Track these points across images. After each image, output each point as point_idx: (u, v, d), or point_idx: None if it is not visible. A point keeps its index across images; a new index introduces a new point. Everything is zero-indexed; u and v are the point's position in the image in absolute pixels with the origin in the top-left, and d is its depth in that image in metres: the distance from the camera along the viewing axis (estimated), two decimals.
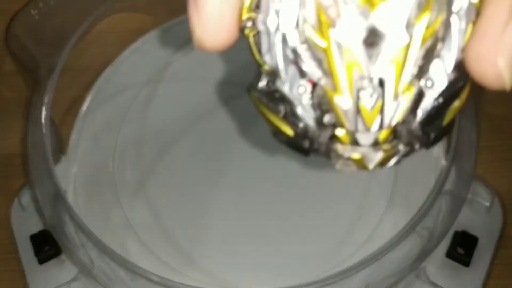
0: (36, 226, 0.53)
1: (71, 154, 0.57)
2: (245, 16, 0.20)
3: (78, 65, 0.59)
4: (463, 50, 0.20)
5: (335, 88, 0.20)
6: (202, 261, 0.51)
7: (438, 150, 0.55)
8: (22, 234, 0.53)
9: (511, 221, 0.52)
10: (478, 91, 0.54)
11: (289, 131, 0.21)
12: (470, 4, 0.19)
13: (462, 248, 0.50)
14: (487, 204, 0.52)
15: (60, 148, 0.56)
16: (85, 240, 0.49)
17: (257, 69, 0.21)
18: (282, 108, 0.21)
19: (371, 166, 0.21)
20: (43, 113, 0.53)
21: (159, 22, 0.62)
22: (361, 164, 0.21)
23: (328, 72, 0.20)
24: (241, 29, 0.20)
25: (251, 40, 0.21)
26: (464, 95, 0.21)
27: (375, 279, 0.48)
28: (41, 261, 0.51)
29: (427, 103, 0.20)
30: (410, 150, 0.21)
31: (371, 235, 0.52)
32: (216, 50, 0.20)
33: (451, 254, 0.50)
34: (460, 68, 0.20)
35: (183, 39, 0.61)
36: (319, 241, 0.52)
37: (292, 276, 0.49)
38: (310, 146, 0.21)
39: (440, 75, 0.20)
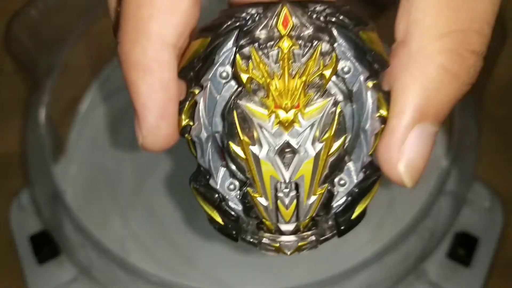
0: (35, 227, 0.52)
1: (70, 154, 0.57)
2: (184, 123, 0.24)
3: (77, 65, 0.58)
4: (375, 152, 0.24)
5: (256, 191, 0.24)
6: (201, 261, 0.51)
7: (439, 150, 0.55)
8: (22, 234, 0.53)
9: (511, 222, 0.52)
10: (479, 92, 0.54)
11: (220, 220, 0.25)
12: (375, 120, 0.24)
13: (463, 248, 0.50)
14: (488, 204, 0.51)
15: (59, 148, 0.56)
16: (84, 240, 0.49)
17: (197, 165, 0.26)
18: (217, 198, 0.25)
19: (288, 252, 0.25)
20: (42, 113, 0.53)
21: None
22: (280, 251, 0.25)
23: (250, 178, 0.24)
24: (181, 134, 0.25)
25: (190, 143, 0.25)
26: (374, 190, 0.25)
27: (376, 279, 0.48)
28: (41, 262, 0.51)
29: (339, 199, 0.25)
30: (324, 239, 0.26)
31: (372, 236, 0.52)
32: (157, 153, 0.25)
33: (451, 254, 0.50)
34: (373, 164, 0.25)
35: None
36: None
37: (292, 276, 0.49)
38: (237, 235, 0.25)
39: (351, 177, 0.25)
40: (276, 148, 0.23)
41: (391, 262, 0.48)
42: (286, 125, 0.23)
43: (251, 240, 0.26)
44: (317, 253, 0.51)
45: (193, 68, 0.24)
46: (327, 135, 0.23)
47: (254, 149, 0.24)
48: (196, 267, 0.51)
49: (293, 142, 0.23)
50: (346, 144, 0.24)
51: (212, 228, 0.50)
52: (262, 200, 0.24)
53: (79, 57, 0.58)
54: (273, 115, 0.23)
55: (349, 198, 0.25)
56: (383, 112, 0.24)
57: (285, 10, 0.23)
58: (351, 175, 0.25)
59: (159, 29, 0.22)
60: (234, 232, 0.25)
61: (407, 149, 0.23)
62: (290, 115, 0.23)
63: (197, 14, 0.24)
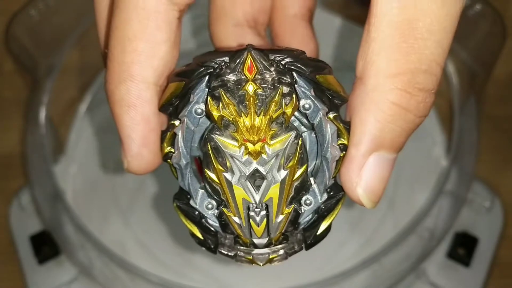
0: (35, 227, 0.52)
1: (70, 154, 0.57)
2: (166, 150, 0.28)
3: (77, 65, 0.59)
4: (338, 175, 0.27)
5: (231, 211, 0.27)
6: (200, 261, 0.51)
7: (439, 150, 0.55)
8: (22, 234, 0.53)
9: (511, 222, 0.52)
10: (479, 92, 0.54)
11: (200, 235, 0.28)
12: (335, 149, 0.27)
13: (463, 248, 0.50)
14: (488, 204, 0.51)
15: (59, 148, 0.56)
16: (84, 240, 0.49)
17: (179, 186, 0.29)
18: (197, 216, 0.28)
19: (261, 264, 0.28)
20: (42, 113, 0.53)
21: None
22: (254, 262, 0.28)
23: (225, 200, 0.27)
24: (164, 159, 0.28)
25: (171, 167, 0.28)
26: (338, 208, 0.28)
27: (376, 279, 0.48)
28: (41, 262, 0.51)
29: (306, 217, 0.28)
30: (293, 252, 0.28)
31: (372, 236, 0.52)
32: (141, 175, 0.28)
33: (451, 254, 0.50)
34: (337, 185, 0.28)
35: (181, 39, 0.61)
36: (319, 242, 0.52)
37: (292, 277, 0.49)
38: (215, 248, 0.28)
39: (316, 197, 0.28)
40: (247, 174, 0.27)
41: (391, 262, 0.48)
42: (255, 155, 0.26)
43: (228, 253, 0.28)
44: (317, 253, 0.51)
45: (171, 104, 0.27)
46: (291, 163, 0.27)
47: (227, 175, 0.27)
48: (196, 267, 0.51)
49: (262, 169, 0.27)
50: (311, 170, 0.28)
51: None
52: (236, 219, 0.27)
53: (79, 57, 0.58)
54: (243, 147, 0.26)
55: (315, 215, 0.28)
56: (344, 140, 0.27)
57: (249, 58, 0.26)
58: (316, 195, 0.28)
59: (140, 71, 0.26)
60: (212, 246, 0.28)
61: (364, 175, 0.26)
62: (258, 146, 0.26)
63: (175, 57, 0.27)
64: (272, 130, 0.26)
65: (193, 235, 0.28)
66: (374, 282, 0.48)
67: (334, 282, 0.46)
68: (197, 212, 0.28)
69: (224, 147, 0.26)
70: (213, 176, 0.27)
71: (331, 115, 0.27)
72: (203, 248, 0.29)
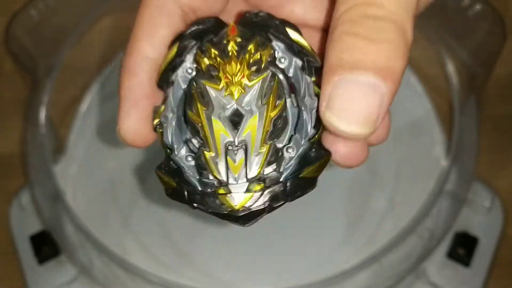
0: (35, 227, 0.52)
1: (70, 154, 0.57)
2: (156, 121, 0.29)
3: (77, 65, 0.58)
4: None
5: (209, 149, 0.28)
6: (201, 261, 0.51)
7: (439, 150, 0.55)
8: (22, 234, 0.53)
9: (511, 222, 0.52)
10: (479, 92, 0.54)
11: (173, 183, 0.29)
12: (313, 96, 0.28)
13: (463, 248, 0.50)
14: (488, 204, 0.51)
15: (59, 148, 0.56)
16: (84, 240, 0.49)
17: (164, 156, 0.29)
18: (176, 178, 0.29)
19: (235, 204, 0.27)
20: (42, 113, 0.53)
21: None
22: (228, 203, 0.28)
23: (204, 139, 0.28)
24: (154, 129, 0.29)
25: (159, 135, 0.30)
26: (322, 161, 0.28)
27: (376, 279, 0.48)
28: (41, 262, 0.51)
29: (288, 163, 0.28)
30: (272, 195, 0.28)
31: (372, 236, 0.52)
32: (132, 146, 0.30)
33: (451, 254, 0.50)
34: (321, 145, 0.29)
35: None
36: (319, 242, 0.52)
37: (292, 277, 0.49)
38: (193, 199, 0.28)
39: (298, 145, 0.28)
40: (226, 110, 0.28)
41: (391, 262, 0.48)
42: (234, 93, 0.28)
43: (203, 202, 0.28)
44: (317, 253, 0.51)
45: (167, 79, 0.30)
46: (268, 98, 0.28)
47: (207, 112, 0.28)
48: (196, 267, 0.51)
49: (241, 106, 0.28)
50: (286, 109, 0.29)
51: (212, 228, 0.51)
52: (212, 157, 0.28)
53: (79, 57, 0.58)
54: (224, 87, 0.28)
55: (297, 161, 0.28)
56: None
57: (232, 24, 0.29)
58: (298, 143, 0.28)
59: (141, 45, 0.30)
60: (187, 195, 0.28)
61: (327, 93, 0.26)
62: (238, 85, 0.28)
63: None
64: (250, 71, 0.28)
65: (167, 188, 0.29)
66: (374, 282, 0.48)
67: (334, 282, 0.47)
68: (176, 177, 0.29)
69: (207, 86, 0.28)
70: (194, 115, 0.28)
71: (308, 77, 0.29)
72: (177, 200, 0.29)
